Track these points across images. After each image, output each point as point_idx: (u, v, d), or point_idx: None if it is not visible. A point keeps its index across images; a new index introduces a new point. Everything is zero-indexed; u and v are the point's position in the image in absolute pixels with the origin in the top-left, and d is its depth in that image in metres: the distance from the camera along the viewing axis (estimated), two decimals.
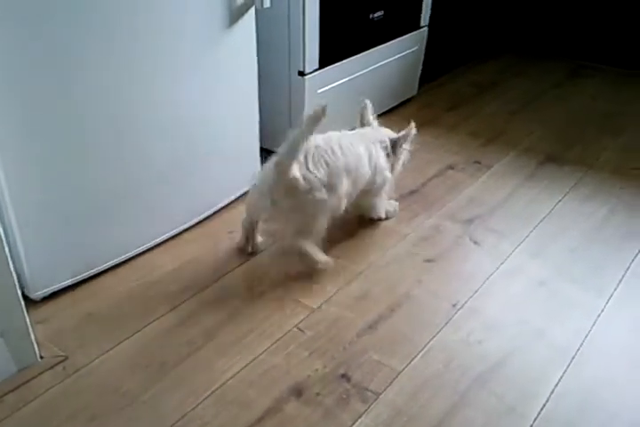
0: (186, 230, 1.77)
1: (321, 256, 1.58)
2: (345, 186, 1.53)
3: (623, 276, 1.63)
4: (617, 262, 1.68)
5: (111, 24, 1.32)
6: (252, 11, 1.64)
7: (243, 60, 1.71)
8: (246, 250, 1.68)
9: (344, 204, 1.57)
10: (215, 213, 1.85)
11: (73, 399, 1.25)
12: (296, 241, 1.53)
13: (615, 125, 2.46)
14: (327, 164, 1.48)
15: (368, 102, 1.74)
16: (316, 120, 1.36)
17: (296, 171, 1.43)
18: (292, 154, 1.41)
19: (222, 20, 1.57)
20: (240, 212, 1.85)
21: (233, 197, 1.89)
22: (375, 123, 1.75)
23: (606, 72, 2.99)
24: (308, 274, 1.61)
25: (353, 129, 1.72)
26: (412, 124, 1.70)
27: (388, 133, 1.73)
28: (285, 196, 1.45)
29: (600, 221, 1.86)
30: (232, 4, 1.57)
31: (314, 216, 1.50)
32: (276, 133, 2.12)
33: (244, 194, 1.91)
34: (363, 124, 1.74)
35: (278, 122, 2.08)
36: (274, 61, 1.99)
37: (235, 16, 1.59)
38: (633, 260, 1.69)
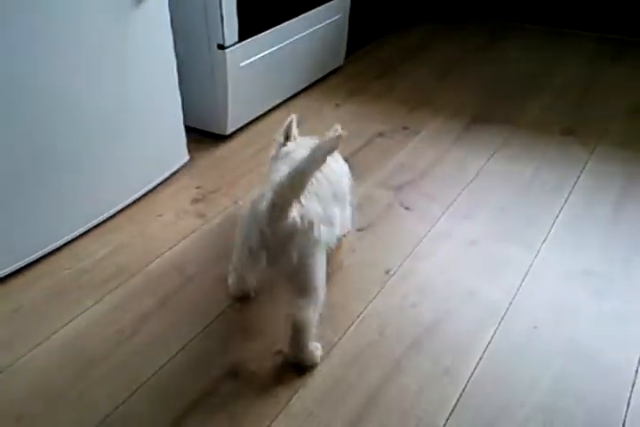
0: (113, 216, 1.72)
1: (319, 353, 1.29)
2: (338, 215, 1.33)
3: (550, 230, 1.66)
4: (544, 218, 1.71)
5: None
6: None
7: (157, 37, 1.65)
8: (243, 294, 1.43)
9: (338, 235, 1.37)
10: (142, 196, 1.80)
11: None
12: (306, 313, 1.20)
13: (539, 85, 2.49)
14: (317, 194, 1.21)
15: (294, 116, 1.50)
16: (330, 151, 1.08)
17: (295, 211, 1.14)
18: (294, 193, 1.11)
19: None
20: (166, 195, 1.82)
21: (159, 180, 1.85)
22: (298, 137, 1.50)
23: (529, 31, 3.03)
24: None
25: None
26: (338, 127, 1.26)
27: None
28: (283, 246, 1.15)
29: (527, 179, 1.89)
30: None
31: (318, 264, 1.20)
32: (201, 111, 2.10)
33: (171, 176, 1.88)
34: (287, 138, 1.48)
35: (202, 99, 2.03)
36: (192, 36, 1.92)
37: None
38: (558, 215, 1.72)
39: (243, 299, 1.43)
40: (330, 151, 1.07)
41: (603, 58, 2.73)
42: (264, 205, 1.12)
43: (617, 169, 1.92)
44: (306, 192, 1.14)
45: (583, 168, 1.93)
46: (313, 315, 1.20)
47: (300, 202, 1.14)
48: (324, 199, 1.23)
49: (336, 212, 1.31)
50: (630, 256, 1.57)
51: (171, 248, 1.61)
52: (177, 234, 1.66)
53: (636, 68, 2.63)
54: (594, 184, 1.85)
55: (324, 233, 1.19)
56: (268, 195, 1.12)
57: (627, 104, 2.32)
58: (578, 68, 2.62)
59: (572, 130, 2.15)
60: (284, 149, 1.44)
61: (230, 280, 1.43)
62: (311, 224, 1.15)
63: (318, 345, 1.28)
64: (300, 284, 1.19)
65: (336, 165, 1.42)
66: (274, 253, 1.16)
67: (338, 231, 1.35)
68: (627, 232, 1.65)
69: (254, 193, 1.24)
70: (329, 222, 1.24)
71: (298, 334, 1.21)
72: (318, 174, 1.17)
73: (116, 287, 1.48)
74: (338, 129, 1.18)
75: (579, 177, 1.89)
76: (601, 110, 2.27)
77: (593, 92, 2.41)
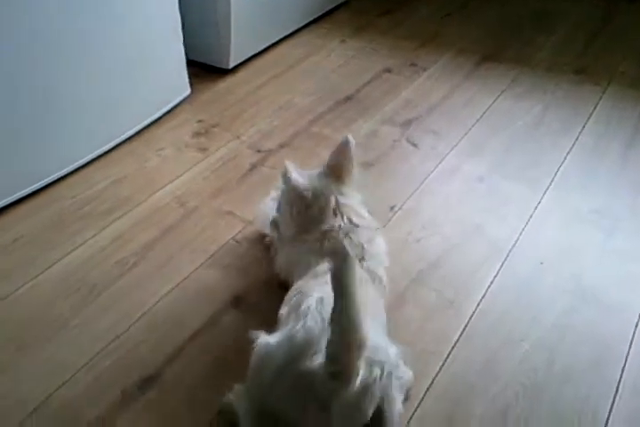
0: (114, 149, 1.68)
1: None
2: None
3: (558, 169, 1.63)
4: (552, 157, 1.68)
5: None
6: None
7: None
8: None
9: None
10: (143, 129, 1.75)
11: None
12: None
13: (548, 24, 2.40)
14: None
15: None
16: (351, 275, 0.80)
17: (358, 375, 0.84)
18: (350, 355, 0.82)
19: None
20: (167, 129, 1.78)
21: (159, 113, 1.80)
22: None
23: None
24: (241, 186, 1.56)
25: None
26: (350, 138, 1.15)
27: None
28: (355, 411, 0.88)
29: (536, 117, 1.84)
30: None
31: (396, 406, 0.93)
32: (204, 44, 2.02)
33: (172, 109, 1.83)
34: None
35: (205, 32, 1.96)
36: None
37: None
38: (567, 154, 1.69)
39: None
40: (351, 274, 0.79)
41: (617, 1, 2.62)
42: (315, 377, 0.84)
43: (629, 110, 1.87)
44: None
45: (594, 108, 1.88)
46: None
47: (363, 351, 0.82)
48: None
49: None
50: (639, 196, 1.54)
51: (172, 181, 1.58)
52: (178, 167, 1.63)
53: None
54: (605, 124, 1.81)
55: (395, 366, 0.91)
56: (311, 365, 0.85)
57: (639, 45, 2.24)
58: (594, 7, 2.52)
59: (584, 69, 2.08)
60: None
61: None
62: (383, 371, 0.88)
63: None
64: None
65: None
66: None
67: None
68: (636, 173, 1.62)
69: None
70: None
71: None
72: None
73: (118, 218, 1.46)
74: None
75: (589, 117, 1.84)
76: (615, 50, 2.19)
77: (608, 32, 2.32)
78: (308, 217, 1.13)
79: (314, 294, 0.97)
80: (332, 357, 0.83)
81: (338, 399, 0.84)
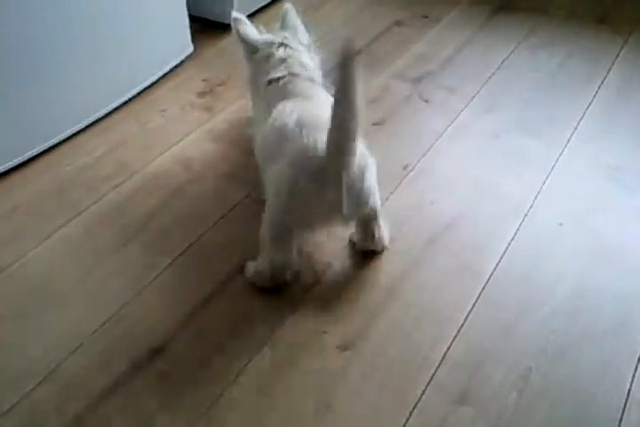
0: (115, 111, 1.62)
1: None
2: None
3: (577, 124, 1.56)
4: (571, 112, 1.60)
5: None
6: None
7: None
8: (284, 281, 1.17)
9: None
10: (145, 89, 1.69)
11: None
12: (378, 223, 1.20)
13: None
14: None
15: (290, 6, 1.38)
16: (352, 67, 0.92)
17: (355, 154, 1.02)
18: (355, 123, 0.97)
19: None
20: (171, 88, 1.71)
21: (162, 72, 1.73)
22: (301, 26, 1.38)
23: None
24: (247, 147, 1.51)
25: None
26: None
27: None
28: (361, 185, 1.07)
29: (555, 69, 1.76)
30: None
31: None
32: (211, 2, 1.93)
33: (175, 68, 1.76)
34: (284, 27, 1.37)
35: None
36: None
37: None
38: (587, 108, 1.61)
39: (274, 290, 1.17)
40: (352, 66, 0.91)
41: None
42: (326, 149, 1.00)
43: None
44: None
45: (615, 58, 1.79)
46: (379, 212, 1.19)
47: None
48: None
49: None
50: None
51: (176, 144, 1.53)
52: (182, 128, 1.57)
53: None
54: (627, 75, 1.72)
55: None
56: (323, 137, 1.00)
57: None
58: None
59: (604, 19, 1.98)
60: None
61: (260, 268, 1.16)
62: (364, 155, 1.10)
63: (386, 230, 1.23)
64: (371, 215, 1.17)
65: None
66: (352, 196, 1.05)
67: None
68: None
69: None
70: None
71: (367, 226, 1.20)
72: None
73: (120, 184, 1.41)
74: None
75: (610, 68, 1.75)
76: (636, 2, 2.08)
77: None
78: (258, 69, 1.29)
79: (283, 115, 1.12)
80: (336, 140, 0.98)
81: (347, 173, 1.01)
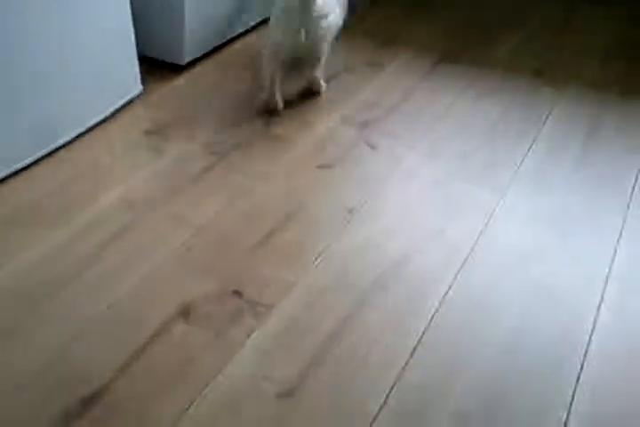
0: (63, 147, 1.60)
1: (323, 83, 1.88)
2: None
3: (515, 172, 1.62)
4: (510, 160, 1.67)
5: None
6: None
7: None
8: (276, 106, 1.77)
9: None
10: (93, 127, 1.67)
11: None
12: (319, 68, 1.82)
13: (511, 27, 2.37)
14: None
15: None
16: None
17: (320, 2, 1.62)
18: None
19: None
20: (119, 127, 1.71)
21: (110, 111, 1.72)
22: None
23: None
24: (193, 189, 1.51)
25: None
26: None
27: None
28: (315, 24, 1.64)
29: (494, 119, 1.83)
30: None
31: (328, 41, 1.75)
32: (157, 38, 1.94)
33: (123, 107, 1.76)
34: None
35: (158, 25, 1.90)
36: None
37: None
38: (524, 157, 1.68)
39: (272, 112, 1.77)
40: None
41: (576, 3, 2.62)
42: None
43: (585, 112, 1.87)
44: None
45: (551, 110, 1.88)
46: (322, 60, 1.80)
47: None
48: None
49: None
50: (594, 199, 1.55)
51: (121, 184, 1.52)
52: (129, 168, 1.57)
53: (611, 9, 2.54)
54: (561, 127, 1.81)
55: (334, 18, 1.71)
56: None
57: (600, 47, 2.24)
58: (552, 11, 2.51)
59: (542, 71, 2.07)
60: None
61: (263, 95, 1.78)
62: (328, 8, 1.67)
63: (322, 78, 1.87)
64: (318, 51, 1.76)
65: None
66: (308, 30, 1.63)
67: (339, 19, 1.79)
68: (592, 175, 1.62)
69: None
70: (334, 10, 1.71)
71: (312, 68, 1.82)
72: None
73: (65, 224, 1.39)
74: None
75: (546, 119, 1.84)
76: (573, 53, 2.19)
77: (566, 34, 2.33)
78: None
79: None
80: None
81: (308, 14, 1.62)
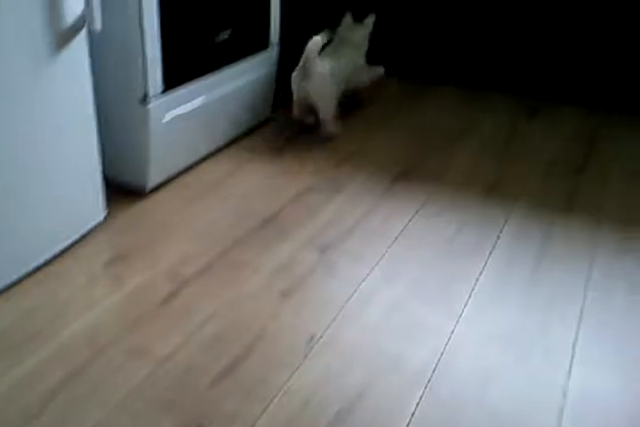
0: (20, 280, 1.60)
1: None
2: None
3: (470, 292, 1.67)
4: (465, 279, 1.72)
5: None
6: (83, 35, 1.56)
7: (76, 87, 1.61)
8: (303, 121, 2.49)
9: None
10: (52, 258, 1.69)
11: None
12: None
13: (459, 143, 2.51)
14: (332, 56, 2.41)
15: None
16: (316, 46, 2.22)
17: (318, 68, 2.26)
18: (308, 61, 2.24)
19: (47, 47, 1.46)
20: (79, 257, 1.73)
21: (71, 240, 1.74)
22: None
23: (446, 92, 3.05)
24: (156, 319, 1.51)
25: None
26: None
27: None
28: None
29: (451, 236, 1.90)
30: (58, 29, 1.46)
31: (327, 92, 2.35)
32: (121, 165, 2.01)
33: (85, 236, 1.79)
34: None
35: (123, 153, 1.98)
36: (112, 88, 1.88)
37: (62, 41, 1.49)
38: (479, 276, 1.73)
39: (304, 123, 2.50)
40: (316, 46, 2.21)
41: (519, 117, 2.78)
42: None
43: (535, 229, 1.96)
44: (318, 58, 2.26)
45: (502, 227, 1.96)
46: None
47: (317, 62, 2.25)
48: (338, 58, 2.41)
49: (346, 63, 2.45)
50: (548, 318, 1.59)
51: (81, 316, 1.52)
52: (89, 300, 1.57)
53: (549, 127, 2.70)
54: (513, 244, 1.88)
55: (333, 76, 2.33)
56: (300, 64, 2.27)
57: (544, 162, 2.38)
58: (496, 127, 2.67)
59: (493, 188, 2.18)
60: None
61: (295, 111, 2.45)
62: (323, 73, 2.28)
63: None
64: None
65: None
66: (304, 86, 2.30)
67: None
68: (544, 294, 1.67)
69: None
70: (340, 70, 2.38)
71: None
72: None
73: (22, 360, 1.37)
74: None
75: (498, 237, 1.91)
76: (521, 168, 2.32)
77: (513, 150, 2.46)
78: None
79: None
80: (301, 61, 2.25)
81: (314, 72, 2.26)
